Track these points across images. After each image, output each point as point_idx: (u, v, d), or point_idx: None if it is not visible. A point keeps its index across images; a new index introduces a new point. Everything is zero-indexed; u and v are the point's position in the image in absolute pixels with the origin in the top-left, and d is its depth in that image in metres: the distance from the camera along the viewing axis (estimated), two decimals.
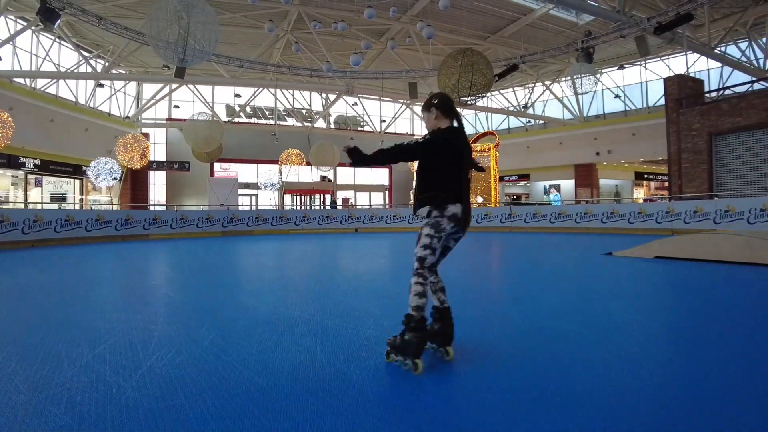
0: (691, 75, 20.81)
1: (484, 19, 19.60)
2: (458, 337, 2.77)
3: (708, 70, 22.35)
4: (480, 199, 23.60)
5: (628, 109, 25.15)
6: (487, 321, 3.67)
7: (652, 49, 21.45)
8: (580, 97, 25.38)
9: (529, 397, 2.10)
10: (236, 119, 27.93)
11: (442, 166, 2.66)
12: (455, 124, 2.77)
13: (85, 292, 5.30)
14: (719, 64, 20.55)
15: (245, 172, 28.20)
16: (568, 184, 28.07)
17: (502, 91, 28.94)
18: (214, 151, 20.38)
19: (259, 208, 22.48)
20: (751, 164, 15.78)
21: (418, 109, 29.90)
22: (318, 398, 2.09)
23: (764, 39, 19.33)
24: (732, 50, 20.27)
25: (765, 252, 6.53)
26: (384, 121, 30.78)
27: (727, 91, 18.80)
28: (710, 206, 13.23)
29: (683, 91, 17.95)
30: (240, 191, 25.54)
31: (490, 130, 29.01)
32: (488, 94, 17.80)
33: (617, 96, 25.07)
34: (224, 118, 27.40)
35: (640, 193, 30.43)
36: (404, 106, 30.84)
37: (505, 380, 2.32)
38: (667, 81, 18.59)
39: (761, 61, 19.61)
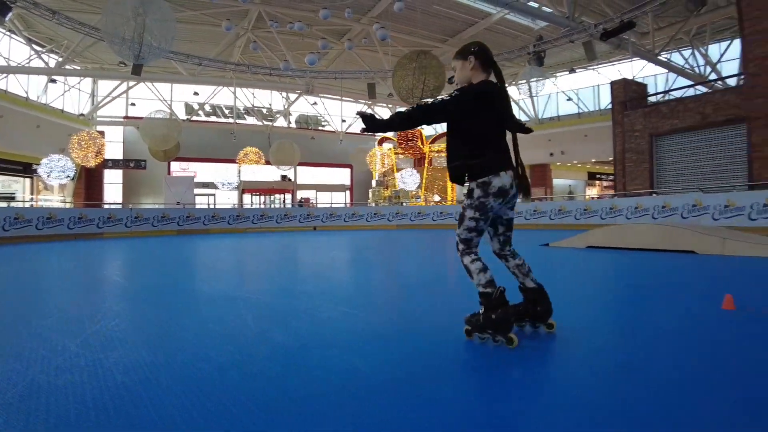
0: (639, 80, 21.90)
1: (442, 22, 20.15)
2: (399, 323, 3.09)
3: (655, 75, 23.60)
4: (437, 198, 24.17)
5: (581, 111, 26.19)
6: (435, 309, 3.85)
7: (603, 55, 22.55)
8: (534, 99, 26.27)
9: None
10: (195, 117, 27.66)
11: (475, 126, 2.38)
12: (493, 79, 2.50)
13: (34, 282, 5.42)
14: (665, 70, 21.72)
15: (204, 171, 27.75)
16: None
17: None
18: (171, 150, 20.18)
19: (217, 206, 22.37)
20: (686, 163, 16.85)
21: (378, 110, 30.36)
22: (241, 350, 2.41)
23: (705, 47, 20.61)
24: (677, 57, 21.47)
25: (680, 240, 7.22)
26: (344, 120, 31.04)
27: (668, 95, 19.96)
28: (649, 202, 14.10)
29: (628, 94, 18.95)
30: (198, 191, 25.15)
31: None
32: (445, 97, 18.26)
33: (569, 98, 26.10)
34: (182, 116, 27.06)
35: (592, 192, 31.72)
36: (365, 107, 31.17)
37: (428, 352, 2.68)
38: (614, 84, 19.57)
39: (703, 68, 20.89)
